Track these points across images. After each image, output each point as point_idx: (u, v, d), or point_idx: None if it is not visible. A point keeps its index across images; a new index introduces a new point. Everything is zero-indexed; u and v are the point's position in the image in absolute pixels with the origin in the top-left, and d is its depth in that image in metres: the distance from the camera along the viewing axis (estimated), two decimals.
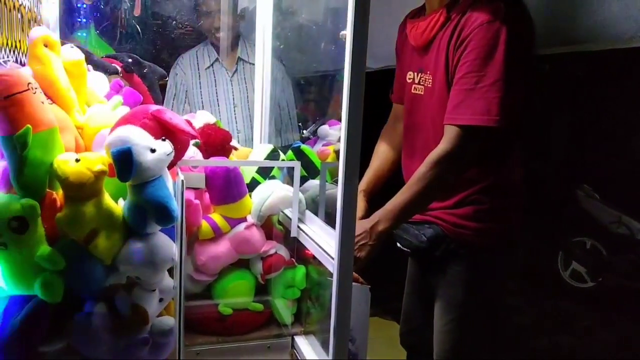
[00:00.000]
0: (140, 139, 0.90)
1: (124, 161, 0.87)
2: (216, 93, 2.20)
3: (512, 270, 1.53)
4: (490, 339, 1.50)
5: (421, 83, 1.40)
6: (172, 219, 0.91)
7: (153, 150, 0.91)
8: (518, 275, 1.53)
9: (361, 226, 1.26)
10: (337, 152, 1.56)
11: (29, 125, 0.84)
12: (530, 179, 1.61)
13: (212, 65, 2.20)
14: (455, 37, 1.29)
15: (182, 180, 0.96)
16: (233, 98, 2.20)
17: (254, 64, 2.09)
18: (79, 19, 1.96)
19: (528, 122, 1.53)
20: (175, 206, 0.92)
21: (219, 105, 2.20)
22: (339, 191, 1.02)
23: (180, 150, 1.02)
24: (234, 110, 2.20)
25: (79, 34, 1.95)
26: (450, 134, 1.29)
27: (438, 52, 1.33)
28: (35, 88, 0.89)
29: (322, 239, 1.19)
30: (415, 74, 1.42)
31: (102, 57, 1.51)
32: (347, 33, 0.96)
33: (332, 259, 1.06)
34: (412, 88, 1.43)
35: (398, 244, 1.49)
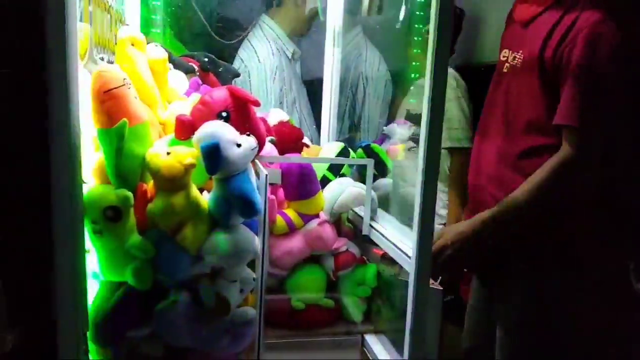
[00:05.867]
0: (227, 134, 0.93)
1: (212, 155, 0.90)
2: (266, 92, 2.01)
3: (578, 284, 1.41)
4: (552, 351, 1.43)
5: (510, 62, 1.37)
6: (255, 211, 0.93)
7: (239, 145, 0.93)
8: (588, 286, 1.44)
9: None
10: (407, 151, 1.55)
11: (125, 119, 0.88)
12: (599, 186, 1.53)
13: (282, 66, 2.02)
14: (566, 26, 1.24)
15: (267, 175, 0.97)
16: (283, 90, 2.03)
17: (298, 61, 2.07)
18: (155, 21, 2.04)
19: None
20: (259, 199, 0.94)
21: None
22: (417, 190, 1.00)
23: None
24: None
25: (155, 34, 2.03)
26: (572, 137, 1.24)
27: (537, 31, 1.29)
28: (129, 84, 0.94)
29: (397, 238, 1.17)
30: (510, 52, 1.38)
31: (180, 57, 1.56)
32: (430, 30, 0.95)
33: (409, 258, 1.05)
34: (504, 67, 1.40)
35: None
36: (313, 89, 2.10)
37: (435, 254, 1.28)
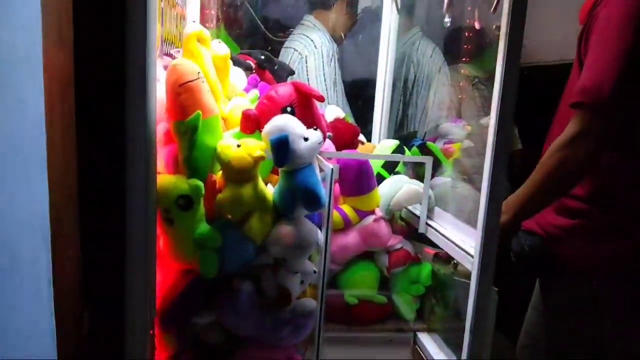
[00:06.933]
0: (296, 128, 0.94)
1: (281, 148, 0.92)
2: (324, 75, 2.01)
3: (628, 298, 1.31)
4: None
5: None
6: (320, 204, 0.94)
7: (306, 139, 0.95)
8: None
9: None
10: (463, 150, 1.53)
11: (199, 111, 0.91)
12: None
13: (335, 54, 2.02)
14: (598, 7, 1.18)
15: (332, 169, 0.99)
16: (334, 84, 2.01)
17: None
18: (210, 19, 2.08)
19: None
20: (324, 193, 0.95)
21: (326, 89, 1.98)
22: (483, 189, 0.99)
23: None
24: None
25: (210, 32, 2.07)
26: (571, 117, 1.18)
27: (583, 27, 1.24)
28: (203, 77, 0.96)
29: (457, 236, 1.17)
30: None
31: (238, 54, 1.60)
32: (502, 25, 0.94)
33: (471, 257, 1.04)
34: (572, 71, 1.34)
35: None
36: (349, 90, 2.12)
37: None
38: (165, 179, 0.94)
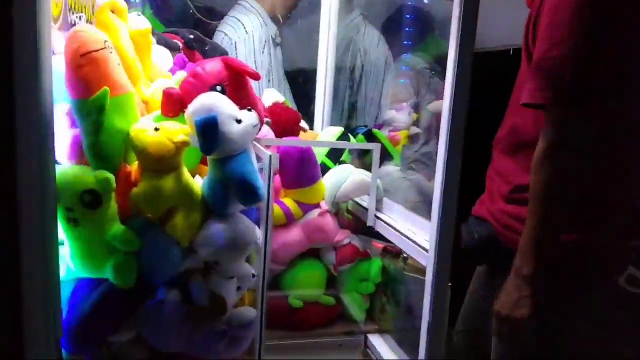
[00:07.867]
0: (225, 107, 0.81)
1: (209, 131, 0.78)
2: (255, 63, 1.85)
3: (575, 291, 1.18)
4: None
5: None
6: (258, 197, 0.81)
7: (239, 121, 0.81)
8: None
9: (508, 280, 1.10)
10: (410, 137, 1.45)
11: (106, 87, 0.76)
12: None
13: (270, 40, 1.87)
14: None
15: (271, 156, 0.86)
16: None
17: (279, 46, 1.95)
18: None
19: None
20: (262, 183, 0.82)
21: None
22: (437, 179, 0.90)
23: None
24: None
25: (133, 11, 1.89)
26: (546, 121, 1.06)
27: (531, 12, 1.17)
28: (112, 48, 0.81)
29: (409, 229, 1.07)
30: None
31: (164, 33, 1.44)
32: (455, 6, 0.85)
33: (426, 251, 0.95)
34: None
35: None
36: (292, 79, 1.99)
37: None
38: (67, 171, 0.78)
